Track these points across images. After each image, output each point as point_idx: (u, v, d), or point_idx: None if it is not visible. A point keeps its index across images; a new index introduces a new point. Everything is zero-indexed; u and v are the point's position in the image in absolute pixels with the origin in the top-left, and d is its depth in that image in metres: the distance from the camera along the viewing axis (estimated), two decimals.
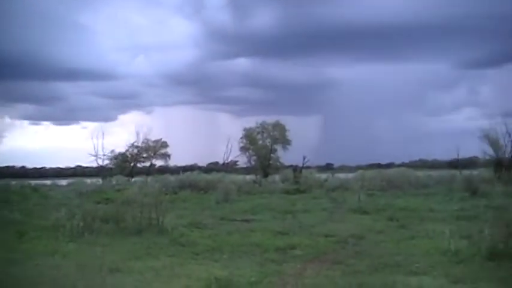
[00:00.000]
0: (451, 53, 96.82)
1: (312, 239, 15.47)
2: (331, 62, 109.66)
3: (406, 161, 67.66)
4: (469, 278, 9.99)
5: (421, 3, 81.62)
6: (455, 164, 49.87)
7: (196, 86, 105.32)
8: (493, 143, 44.09)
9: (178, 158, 59.79)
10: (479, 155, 46.91)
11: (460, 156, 49.93)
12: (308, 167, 48.79)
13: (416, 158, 72.29)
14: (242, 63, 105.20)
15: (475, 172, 41.38)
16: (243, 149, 53.48)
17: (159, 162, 59.85)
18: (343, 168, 65.30)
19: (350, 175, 46.96)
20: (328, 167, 67.36)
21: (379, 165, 63.34)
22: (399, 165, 57.18)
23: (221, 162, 56.02)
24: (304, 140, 68.11)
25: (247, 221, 20.70)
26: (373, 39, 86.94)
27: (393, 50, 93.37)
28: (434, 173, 46.66)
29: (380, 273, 10.64)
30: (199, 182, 41.07)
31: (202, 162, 60.50)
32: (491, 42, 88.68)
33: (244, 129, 53.61)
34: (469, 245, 12.68)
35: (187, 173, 45.18)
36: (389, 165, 60.76)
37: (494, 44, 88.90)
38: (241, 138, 53.36)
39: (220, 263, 12.17)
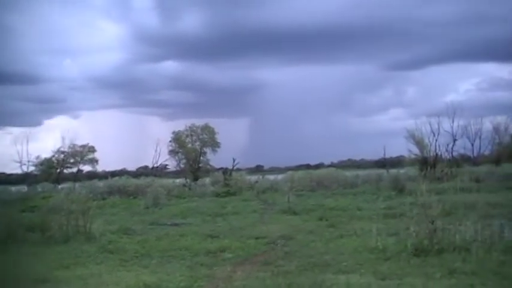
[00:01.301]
0: (377, 55, 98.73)
1: (242, 241, 15.47)
2: (261, 65, 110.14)
3: (335, 161, 68.81)
4: (396, 274, 10.18)
5: (348, 7, 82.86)
6: (383, 163, 50.90)
7: (125, 90, 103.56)
8: (419, 142, 45.36)
9: (106, 163, 58.66)
10: (406, 154, 48.15)
11: (387, 156, 51.10)
12: (238, 169, 48.80)
13: (345, 158, 73.58)
14: (171, 66, 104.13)
15: (401, 171, 42.45)
16: (172, 153, 52.96)
17: (86, 168, 58.49)
18: (273, 170, 65.67)
19: (280, 176, 47.27)
20: (258, 169, 67.47)
21: (308, 166, 63.93)
22: (328, 166, 57.96)
23: (151, 166, 55.25)
24: (234, 142, 68.20)
25: (177, 225, 20.51)
26: (301, 42, 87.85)
27: (321, 52, 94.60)
28: (362, 172, 47.46)
29: (309, 273, 10.70)
30: (128, 187, 40.52)
31: (132, 167, 59.51)
32: (416, 45, 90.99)
33: (173, 133, 53.13)
34: (396, 242, 12.98)
35: (116, 178, 44.37)
36: (318, 166, 61.42)
37: (419, 46, 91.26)
38: (170, 141, 52.83)
39: (149, 269, 11.99)
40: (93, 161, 57.15)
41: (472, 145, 50.73)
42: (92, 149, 56.50)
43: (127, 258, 13.49)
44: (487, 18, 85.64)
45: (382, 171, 44.05)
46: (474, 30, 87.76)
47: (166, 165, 56.15)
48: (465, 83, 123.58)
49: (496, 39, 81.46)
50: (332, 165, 61.08)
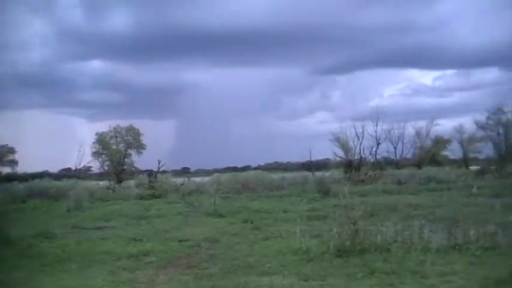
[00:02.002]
0: (305, 60, 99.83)
1: (166, 244, 15.28)
2: (189, 66, 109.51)
3: (262, 163, 69.19)
4: (319, 275, 10.27)
5: (278, 11, 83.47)
6: (309, 166, 51.39)
7: (47, 89, 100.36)
8: (343, 145, 46.19)
9: (27, 164, 56.89)
10: (331, 156, 48.85)
11: (313, 158, 51.56)
12: (164, 172, 48.19)
13: (272, 161, 74.07)
14: (97, 66, 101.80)
15: (327, 173, 42.92)
16: (96, 154, 51.90)
17: (5, 170, 56.75)
18: (200, 172, 65.38)
19: (206, 179, 47.07)
20: (184, 171, 67.01)
21: (235, 169, 63.90)
22: (255, 168, 58.22)
23: (74, 168, 53.94)
24: (161, 144, 67.59)
25: (99, 228, 20.07)
26: (230, 44, 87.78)
27: (250, 55, 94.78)
28: (289, 175, 47.82)
29: (233, 275, 10.66)
30: (49, 189, 39.40)
31: (54, 169, 57.93)
32: (343, 50, 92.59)
33: (97, 134, 52.07)
34: (319, 243, 13.10)
35: (37, 180, 43.13)
36: (245, 168, 61.51)
37: (346, 51, 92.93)
38: (93, 143, 51.75)
39: (69, 274, 11.67)
40: (13, 163, 55.49)
41: (395, 148, 52.10)
42: (12, 150, 54.83)
43: (47, 262, 13.07)
44: (412, 26, 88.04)
45: (308, 174, 44.49)
46: (399, 37, 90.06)
47: (90, 167, 55.00)
48: (389, 88, 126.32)
49: (420, 46, 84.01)
50: (259, 167, 61.44)
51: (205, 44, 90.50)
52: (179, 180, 46.94)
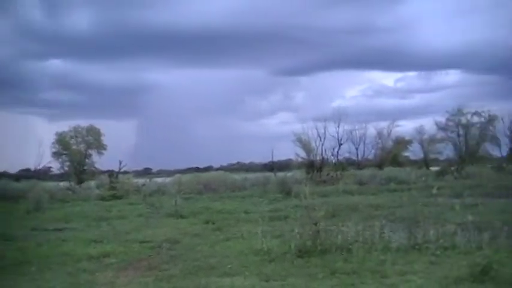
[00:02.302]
0: (267, 61, 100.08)
1: (126, 245, 15.10)
2: (151, 66, 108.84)
3: (225, 164, 69.14)
4: (280, 276, 10.26)
5: (240, 12, 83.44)
6: (271, 167, 51.50)
7: (6, 88, 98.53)
8: (305, 146, 46.40)
9: None
10: (293, 157, 49.03)
11: (275, 159, 51.74)
12: (125, 172, 47.72)
13: (234, 161, 74.05)
14: (57, 65, 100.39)
15: (289, 174, 43.09)
16: (56, 155, 51.15)
17: None
18: (161, 173, 65.04)
19: (168, 179, 46.87)
20: (146, 172, 66.55)
21: (197, 169, 63.76)
22: (217, 169, 58.22)
23: (33, 169, 53.02)
24: (122, 144, 66.92)
25: (59, 230, 19.76)
26: (193, 45, 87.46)
27: (213, 56, 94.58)
28: (251, 175, 47.89)
29: (194, 276, 10.59)
30: (8, 190, 38.68)
31: (13, 170, 56.90)
32: (306, 51, 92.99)
33: (56, 134, 51.30)
34: (280, 244, 13.11)
35: None
36: (207, 169, 61.46)
37: (308, 53, 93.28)
38: (53, 143, 50.96)
39: (28, 277, 11.42)
40: None
41: (357, 149, 52.61)
42: None
43: (4, 265, 12.80)
44: (374, 29, 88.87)
45: (270, 174, 44.61)
46: (361, 39, 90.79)
47: (50, 167, 54.22)
48: (351, 90, 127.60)
49: (382, 48, 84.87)
50: (221, 168, 61.45)
51: (168, 44, 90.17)
52: (141, 181, 46.63)
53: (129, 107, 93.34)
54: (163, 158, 68.46)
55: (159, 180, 47.99)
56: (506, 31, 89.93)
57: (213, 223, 19.71)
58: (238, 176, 46.28)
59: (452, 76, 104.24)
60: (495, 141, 51.31)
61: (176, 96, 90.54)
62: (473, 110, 48.23)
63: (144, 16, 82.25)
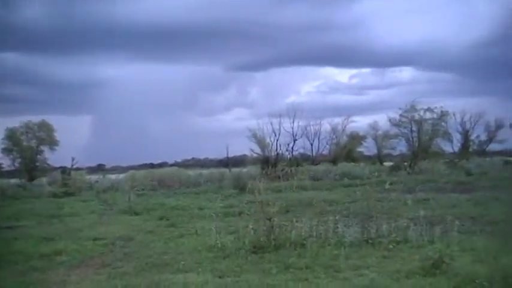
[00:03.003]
0: (223, 56, 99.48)
1: (79, 243, 14.89)
2: (105, 61, 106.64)
3: (179, 160, 68.61)
4: (234, 272, 10.27)
5: (195, 7, 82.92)
6: (226, 163, 51.39)
7: None
8: (260, 142, 46.35)
9: None
10: (248, 153, 48.98)
11: (231, 155, 51.57)
12: (78, 169, 47.00)
13: (189, 157, 73.60)
14: (8, 58, 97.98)
15: (244, 170, 43.09)
16: (6, 151, 49.97)
17: None
18: (115, 169, 64.23)
19: (122, 176, 46.40)
20: (100, 168, 65.55)
21: (152, 165, 63.18)
22: (172, 165, 57.73)
23: None
24: (75, 140, 65.75)
25: (10, 228, 19.37)
26: (148, 39, 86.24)
27: (167, 51, 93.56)
28: (206, 171, 47.74)
29: (147, 273, 10.50)
30: None
31: None
32: (261, 47, 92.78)
33: (6, 129, 50.11)
34: (235, 240, 13.08)
35: None
36: (162, 165, 60.96)
37: (264, 49, 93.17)
38: (3, 139, 49.78)
39: None
40: None
41: (312, 145, 52.60)
42: None
43: None
44: (329, 25, 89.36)
45: (225, 170, 44.55)
46: (316, 35, 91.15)
47: (0, 164, 53.04)
48: (306, 86, 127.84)
49: (336, 45, 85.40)
50: (176, 164, 60.94)
51: (124, 38, 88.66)
52: (94, 177, 46.08)
53: (83, 102, 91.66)
54: (117, 154, 67.54)
55: (113, 176, 47.43)
56: (458, 29, 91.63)
57: (167, 219, 19.63)
58: (192, 172, 46.11)
59: (405, 73, 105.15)
60: (447, 137, 52.09)
61: (131, 91, 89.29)
62: (425, 107, 48.80)
63: (99, 10, 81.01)
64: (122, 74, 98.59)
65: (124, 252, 13.48)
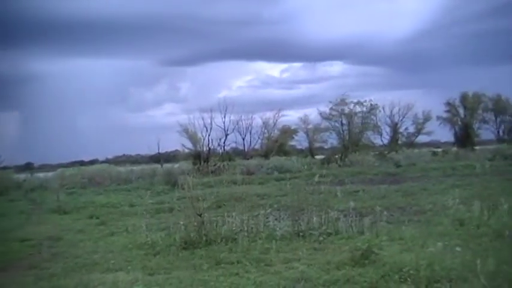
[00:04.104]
0: (153, 51, 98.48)
1: (5, 245, 14.45)
2: (32, 55, 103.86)
3: (111, 157, 67.74)
4: (164, 269, 10.18)
5: (126, 1, 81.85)
6: (158, 158, 50.99)
7: None
8: (192, 137, 46.15)
9: None
10: (180, 148, 48.70)
11: (162, 151, 51.14)
12: (5, 168, 45.68)
13: (121, 154, 72.69)
14: None
15: (176, 165, 42.81)
16: None
17: None
18: (44, 167, 62.80)
19: (51, 174, 45.37)
20: (28, 167, 63.98)
21: (82, 163, 62.03)
22: (103, 162, 56.97)
23: None
24: (2, 138, 64.01)
25: None
26: (76, 34, 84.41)
27: (98, 46, 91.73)
28: (137, 167, 47.23)
29: (76, 274, 10.26)
30: None
31: None
32: (192, 41, 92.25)
33: None
34: (166, 236, 12.99)
35: None
36: (93, 162, 59.97)
37: (195, 43, 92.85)
38: None
39: None
40: None
41: (243, 139, 52.74)
42: None
43: None
44: (260, 20, 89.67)
45: (157, 166, 44.21)
46: (248, 30, 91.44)
47: None
48: (238, 80, 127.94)
49: (268, 40, 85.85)
50: (107, 161, 60.24)
51: (52, 33, 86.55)
52: (22, 176, 44.90)
53: (9, 98, 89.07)
54: (46, 152, 65.93)
55: (41, 175, 46.33)
56: (386, 24, 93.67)
57: (97, 218, 19.34)
58: (123, 169, 45.58)
59: (336, 67, 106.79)
60: (377, 129, 53.30)
61: (60, 86, 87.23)
62: (355, 100, 49.75)
63: (26, 3, 78.86)
64: (52, 69, 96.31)
65: (52, 252, 13.16)
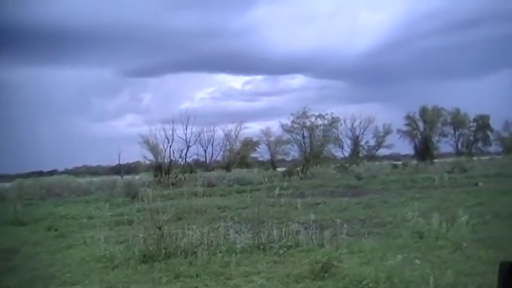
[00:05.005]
0: (115, 61, 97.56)
1: None
2: None
3: (70, 167, 66.78)
4: (122, 282, 10.05)
5: (86, 10, 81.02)
6: (118, 169, 50.56)
7: None
8: (153, 148, 45.90)
9: None
10: (141, 159, 48.37)
11: (123, 162, 50.73)
12: None
13: (81, 164, 71.75)
14: None
15: (137, 177, 42.46)
16: None
17: None
18: (1, 177, 61.67)
19: (8, 184, 44.50)
20: None
21: (41, 173, 61.05)
22: (62, 172, 56.14)
23: None
24: None
25: None
26: (35, 42, 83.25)
27: (57, 55, 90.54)
28: (97, 179, 46.67)
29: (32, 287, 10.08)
30: None
31: None
32: (154, 53, 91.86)
33: None
34: (124, 249, 12.81)
35: None
36: (52, 173, 59.11)
37: (157, 54, 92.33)
38: None
39: None
40: None
41: (205, 151, 52.74)
42: None
43: None
44: (223, 32, 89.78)
45: (117, 178, 43.80)
46: (211, 42, 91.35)
47: None
48: (200, 92, 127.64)
49: (230, 52, 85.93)
50: (67, 171, 59.30)
51: (12, 40, 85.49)
52: None
53: None
54: (3, 161, 64.84)
55: None
56: (345, 38, 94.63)
57: (56, 230, 19.00)
58: (83, 180, 45.00)
59: (297, 80, 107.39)
60: (338, 142, 53.90)
61: (20, 95, 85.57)
62: (317, 113, 50.07)
63: None
64: (11, 77, 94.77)
65: (8, 266, 12.84)
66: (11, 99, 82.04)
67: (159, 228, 12.39)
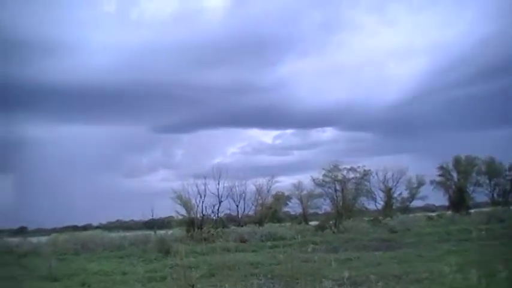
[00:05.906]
0: (147, 118, 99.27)
1: None
2: (26, 121, 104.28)
3: (104, 222, 67.25)
4: None
5: (119, 68, 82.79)
6: (151, 224, 50.60)
7: None
8: (185, 203, 45.88)
9: None
10: (174, 214, 48.43)
11: (156, 217, 50.74)
12: None
13: (114, 219, 72.24)
14: None
15: (169, 232, 42.49)
16: None
17: None
18: (38, 231, 62.25)
19: (44, 239, 44.90)
20: (21, 231, 63.44)
21: (75, 228, 61.49)
22: (96, 227, 56.48)
23: None
24: None
25: None
26: (70, 100, 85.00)
27: (91, 112, 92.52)
28: (130, 234, 46.77)
29: None
30: None
31: None
32: (186, 108, 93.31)
33: None
34: None
35: None
36: (86, 227, 59.54)
37: (188, 110, 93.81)
38: None
39: None
40: None
41: (237, 206, 52.51)
42: None
43: None
44: (253, 88, 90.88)
45: (150, 233, 43.80)
46: (241, 98, 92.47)
47: None
48: (231, 147, 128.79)
49: (260, 107, 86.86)
50: (100, 226, 59.76)
51: (47, 99, 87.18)
52: (15, 240, 44.42)
53: (3, 161, 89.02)
54: (40, 216, 65.43)
55: (34, 239, 45.83)
56: (373, 90, 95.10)
57: (89, 286, 19.02)
58: (116, 235, 45.08)
59: (327, 133, 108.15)
60: (370, 195, 53.40)
61: (56, 152, 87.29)
62: (348, 166, 49.93)
63: (20, 69, 79.63)
64: (47, 134, 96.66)
65: None
66: (47, 156, 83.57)
67: (192, 286, 12.38)
